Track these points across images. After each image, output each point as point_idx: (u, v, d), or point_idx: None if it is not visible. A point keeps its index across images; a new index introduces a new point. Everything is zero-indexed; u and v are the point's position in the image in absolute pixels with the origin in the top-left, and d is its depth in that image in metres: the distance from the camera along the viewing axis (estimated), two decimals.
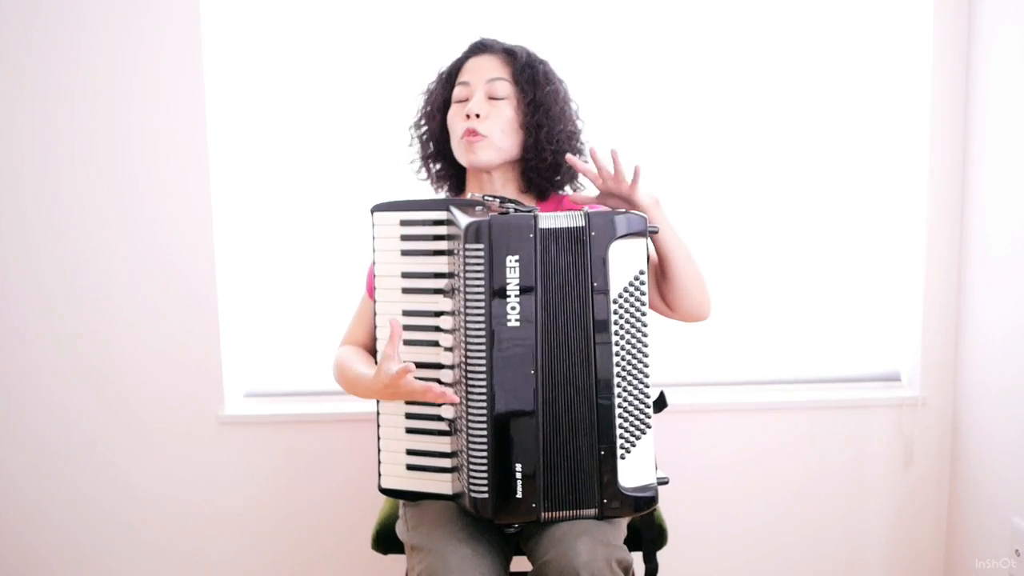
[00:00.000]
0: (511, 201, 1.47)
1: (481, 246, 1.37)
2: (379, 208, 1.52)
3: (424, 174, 1.80)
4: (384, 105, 2.16)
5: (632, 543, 1.62)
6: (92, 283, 2.17)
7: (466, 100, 1.68)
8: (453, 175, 1.78)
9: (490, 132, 1.65)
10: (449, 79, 1.72)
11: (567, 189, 1.76)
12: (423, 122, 1.76)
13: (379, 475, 1.55)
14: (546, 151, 1.68)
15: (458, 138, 1.67)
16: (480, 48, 1.72)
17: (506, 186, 1.72)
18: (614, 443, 1.41)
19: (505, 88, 1.67)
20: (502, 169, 1.70)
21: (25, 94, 2.11)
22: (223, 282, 2.18)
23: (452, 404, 1.44)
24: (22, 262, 2.16)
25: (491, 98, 1.67)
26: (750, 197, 2.26)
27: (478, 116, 1.64)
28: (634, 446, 1.43)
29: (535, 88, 1.67)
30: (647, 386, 1.44)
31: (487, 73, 1.67)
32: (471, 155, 1.66)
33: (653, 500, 1.44)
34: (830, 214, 2.27)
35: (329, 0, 2.17)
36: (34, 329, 2.18)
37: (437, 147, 1.75)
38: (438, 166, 1.78)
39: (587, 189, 1.74)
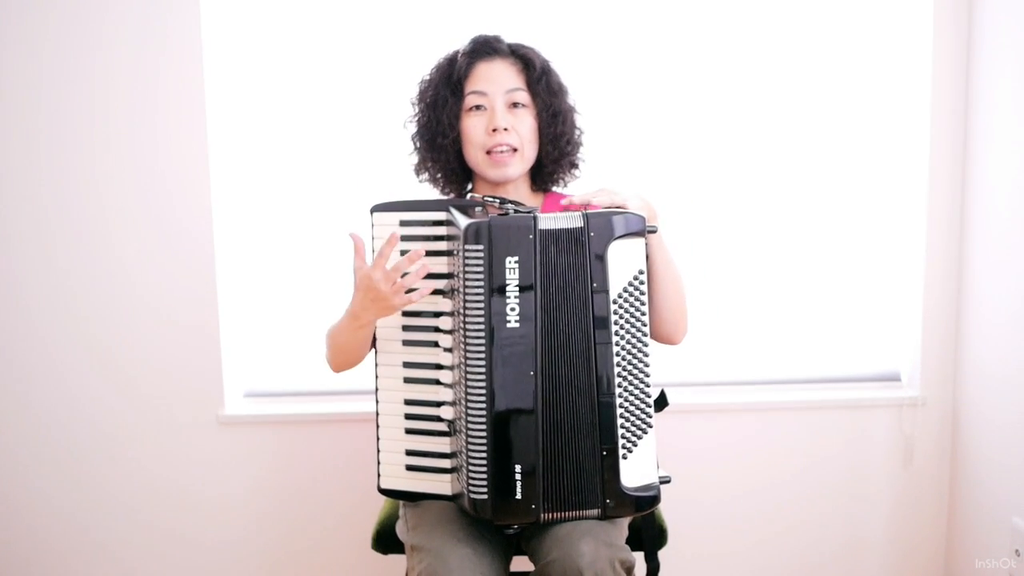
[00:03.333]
0: (511, 202, 1.47)
1: (481, 247, 1.37)
2: (378, 208, 1.52)
3: (425, 176, 1.75)
4: (384, 104, 2.15)
5: (633, 543, 1.62)
6: (92, 283, 2.16)
7: (482, 109, 1.63)
8: (460, 178, 1.74)
9: (520, 145, 1.64)
10: (458, 85, 1.65)
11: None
12: (439, 134, 1.66)
13: (378, 476, 1.56)
14: (565, 158, 1.69)
15: (483, 152, 1.64)
16: (487, 51, 1.65)
17: (518, 189, 1.71)
18: (616, 443, 1.41)
19: (524, 98, 1.64)
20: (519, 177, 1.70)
21: (26, 94, 2.11)
22: (223, 282, 2.19)
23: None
24: (23, 262, 2.16)
25: (511, 106, 1.64)
26: (750, 197, 2.25)
27: (506, 130, 1.62)
28: (636, 446, 1.43)
29: (552, 96, 1.65)
30: (648, 385, 1.44)
31: (504, 83, 1.63)
32: (502, 170, 1.64)
33: (655, 499, 1.45)
34: (830, 214, 2.27)
35: (329, 0, 2.17)
36: (34, 329, 2.18)
37: (450, 156, 1.69)
38: (447, 172, 1.72)
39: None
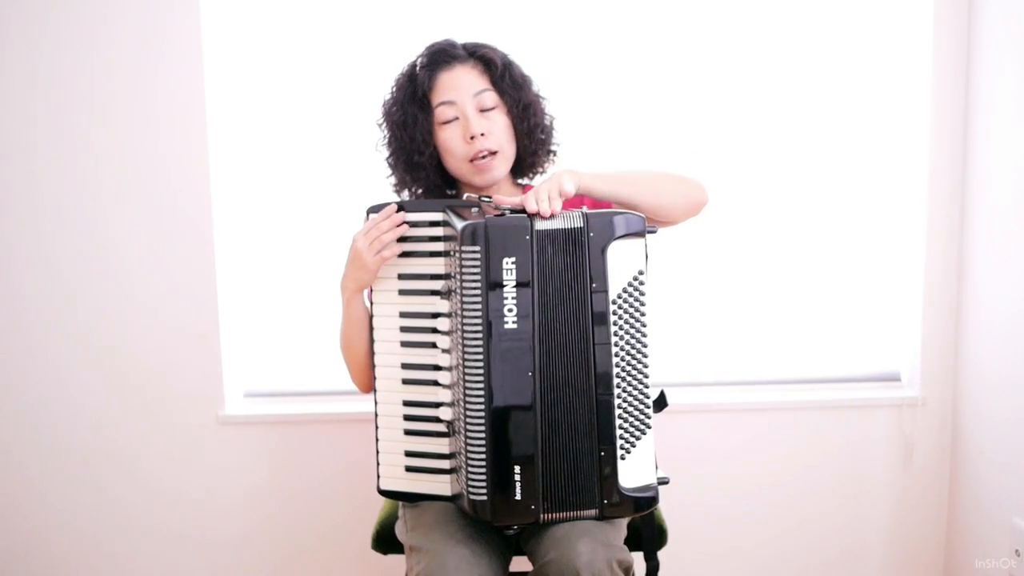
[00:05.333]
0: None
1: (477, 248, 1.37)
2: (374, 209, 1.52)
3: (407, 194, 1.73)
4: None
5: (632, 543, 1.63)
6: (92, 284, 2.17)
7: (455, 119, 1.62)
8: (443, 190, 1.73)
9: (500, 146, 1.63)
10: (424, 99, 1.63)
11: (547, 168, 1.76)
12: (415, 152, 1.64)
13: (378, 477, 1.56)
14: (541, 148, 1.70)
15: (465, 162, 1.63)
16: (445, 59, 1.62)
17: (501, 188, 1.71)
18: (614, 443, 1.41)
19: (492, 98, 1.63)
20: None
21: (26, 94, 2.11)
22: (223, 282, 2.19)
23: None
24: (23, 263, 2.16)
25: (481, 110, 1.62)
26: (749, 197, 2.25)
27: (483, 135, 1.61)
28: (634, 446, 1.43)
29: (518, 91, 1.64)
30: (647, 386, 1.44)
31: (470, 87, 1.61)
32: (487, 174, 1.63)
33: (654, 500, 1.44)
34: (830, 214, 2.27)
35: (329, 0, 2.17)
36: (35, 329, 2.19)
37: (430, 172, 1.68)
38: (429, 186, 1.71)
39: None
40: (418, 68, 1.64)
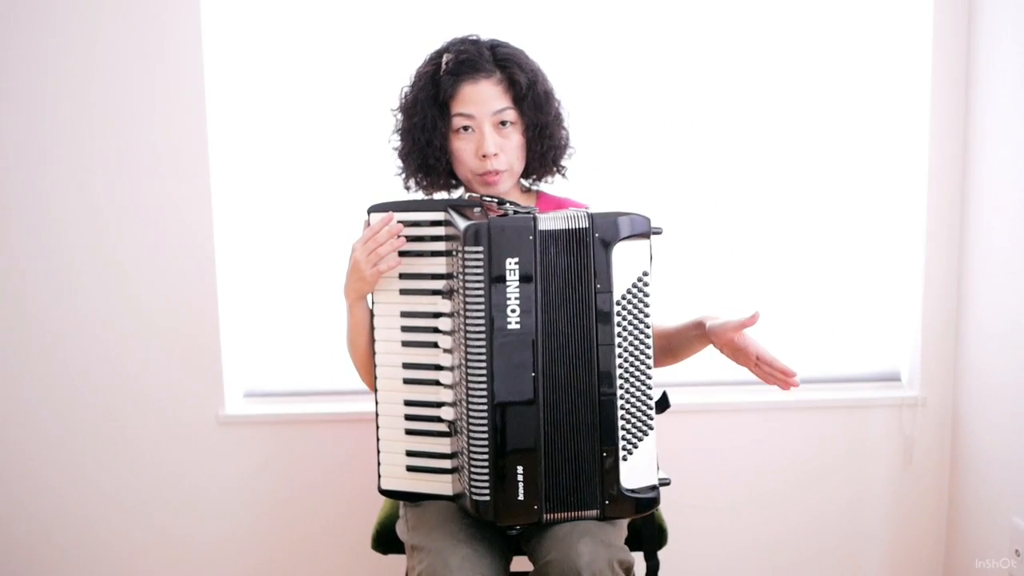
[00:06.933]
0: (509, 202, 1.47)
1: (480, 249, 1.37)
2: (376, 209, 1.52)
3: (414, 187, 1.72)
4: (384, 105, 2.14)
5: (633, 543, 1.63)
6: (92, 283, 2.16)
7: (470, 131, 1.60)
8: (451, 187, 1.72)
9: (509, 165, 1.62)
10: (445, 106, 1.61)
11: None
12: (430, 156, 1.63)
13: (379, 476, 1.55)
14: (550, 167, 1.68)
15: (474, 174, 1.62)
16: (471, 71, 1.59)
17: (508, 193, 1.69)
18: (616, 444, 1.41)
19: (511, 115, 1.60)
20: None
21: (25, 95, 2.11)
22: (223, 282, 2.18)
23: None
24: (23, 262, 2.16)
25: (498, 126, 1.60)
26: (750, 197, 2.25)
27: (495, 155, 1.59)
28: (636, 447, 1.43)
29: (537, 112, 1.62)
30: (650, 387, 1.44)
31: (491, 104, 1.58)
32: (493, 188, 1.62)
33: (655, 501, 1.45)
34: (830, 214, 2.27)
35: (329, 1, 2.17)
36: (35, 329, 2.18)
37: (442, 174, 1.67)
38: (438, 185, 1.70)
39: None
40: (442, 72, 1.60)
